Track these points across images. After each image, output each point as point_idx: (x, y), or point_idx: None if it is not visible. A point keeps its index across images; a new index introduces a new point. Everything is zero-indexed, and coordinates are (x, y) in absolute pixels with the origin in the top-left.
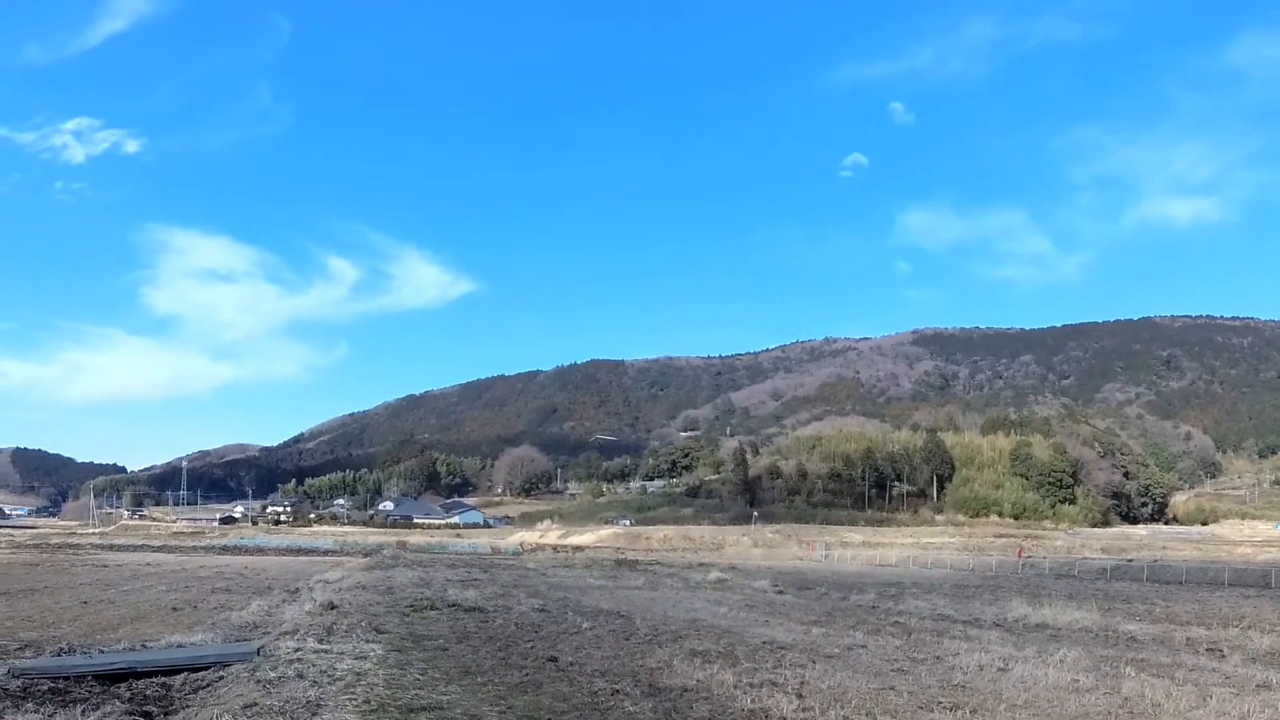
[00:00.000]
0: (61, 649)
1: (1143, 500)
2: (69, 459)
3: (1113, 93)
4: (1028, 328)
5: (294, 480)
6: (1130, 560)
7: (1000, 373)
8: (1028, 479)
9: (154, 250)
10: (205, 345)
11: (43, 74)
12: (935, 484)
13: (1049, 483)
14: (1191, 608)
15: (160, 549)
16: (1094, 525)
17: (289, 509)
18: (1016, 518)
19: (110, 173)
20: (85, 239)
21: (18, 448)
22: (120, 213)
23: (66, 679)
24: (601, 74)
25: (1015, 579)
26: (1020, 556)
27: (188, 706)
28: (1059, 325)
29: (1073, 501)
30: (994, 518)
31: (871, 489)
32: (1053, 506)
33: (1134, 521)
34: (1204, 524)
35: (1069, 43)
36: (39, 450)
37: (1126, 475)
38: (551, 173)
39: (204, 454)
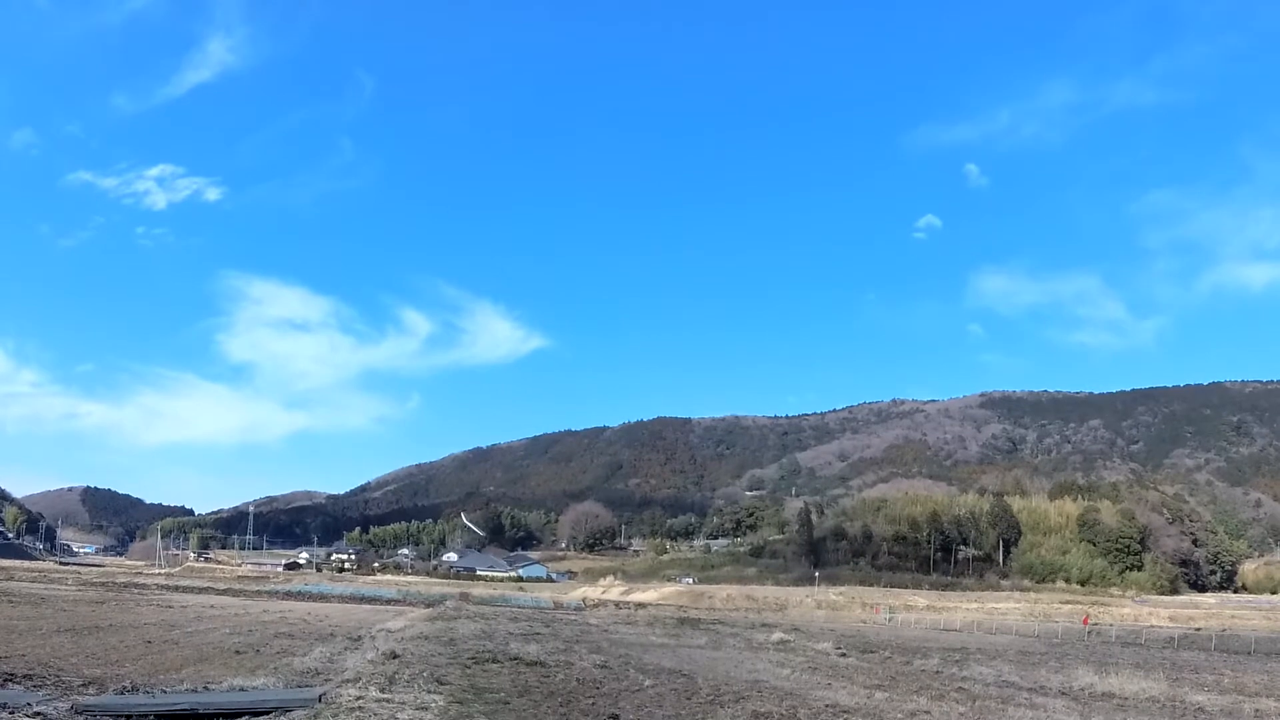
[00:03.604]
0: (125, 687)
1: (1211, 568)
2: (138, 500)
3: (1190, 157)
4: (1096, 391)
5: (359, 529)
6: (1198, 629)
7: (1068, 437)
8: (1095, 545)
9: (231, 298)
10: (279, 394)
11: (128, 122)
12: (1001, 549)
13: (1116, 549)
14: (1261, 678)
15: (225, 592)
16: (1162, 593)
17: (353, 557)
18: (1083, 584)
19: (191, 220)
20: (165, 284)
21: (88, 486)
22: (200, 260)
23: (129, 718)
24: (673, 135)
25: (1081, 646)
26: (1086, 624)
27: None
28: (1128, 389)
29: (1140, 568)
30: (1060, 584)
31: (937, 552)
32: (1120, 573)
33: (1202, 589)
34: (1273, 593)
35: (1147, 107)
36: (109, 490)
37: (1195, 542)
38: (624, 232)
39: (271, 500)
